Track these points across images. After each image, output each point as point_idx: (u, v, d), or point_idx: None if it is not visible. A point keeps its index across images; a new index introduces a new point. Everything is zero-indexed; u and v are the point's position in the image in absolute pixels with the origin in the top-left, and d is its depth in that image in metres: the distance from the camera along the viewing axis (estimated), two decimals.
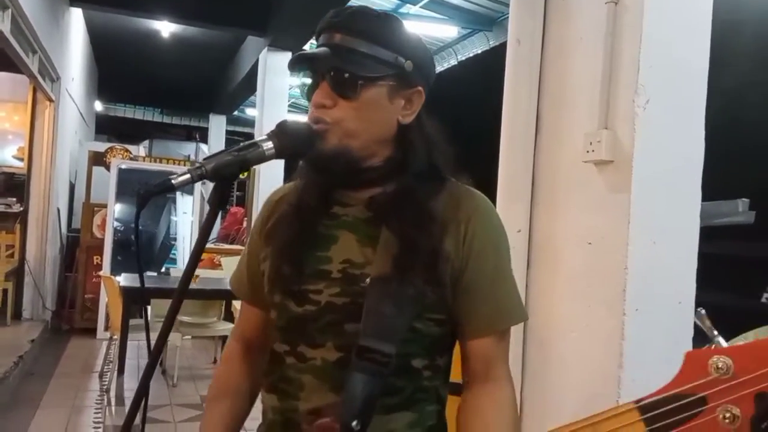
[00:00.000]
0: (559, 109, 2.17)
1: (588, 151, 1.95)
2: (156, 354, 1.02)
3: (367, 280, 0.97)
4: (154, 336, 4.10)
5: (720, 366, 0.62)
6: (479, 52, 7.91)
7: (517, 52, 2.28)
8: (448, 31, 7.55)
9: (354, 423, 0.89)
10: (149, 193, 0.85)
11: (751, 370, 0.60)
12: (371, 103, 0.99)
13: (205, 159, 0.90)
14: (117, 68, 11.10)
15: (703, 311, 0.65)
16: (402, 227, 0.97)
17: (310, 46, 8.65)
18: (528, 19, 2.26)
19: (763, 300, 5.73)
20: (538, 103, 2.25)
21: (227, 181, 0.91)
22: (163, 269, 7.82)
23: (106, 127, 14.19)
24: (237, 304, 5.68)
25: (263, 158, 0.93)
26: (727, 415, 0.61)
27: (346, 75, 0.97)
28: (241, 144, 0.93)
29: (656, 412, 0.65)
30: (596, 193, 1.96)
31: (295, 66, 1.01)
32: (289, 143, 0.95)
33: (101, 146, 7.71)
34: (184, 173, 0.88)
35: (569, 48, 2.15)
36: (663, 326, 1.90)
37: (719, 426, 0.61)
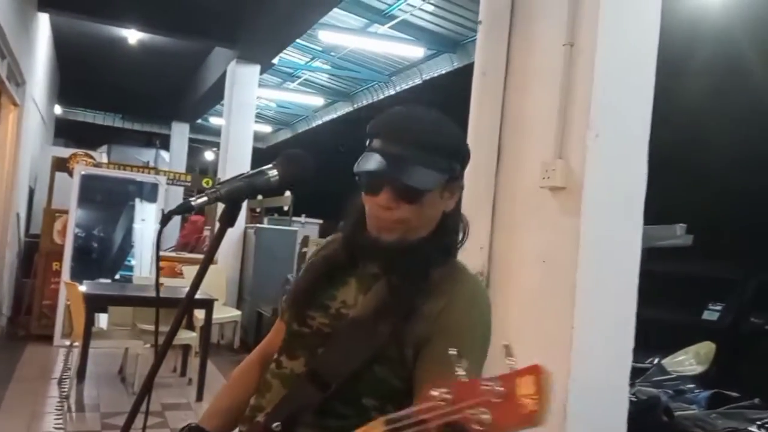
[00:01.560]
0: (519, 138, 2.37)
1: (544, 178, 2.15)
2: (162, 355, 1.14)
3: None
4: (112, 343, 4.21)
5: (437, 395, 0.75)
6: (443, 72, 8.17)
7: (482, 83, 2.47)
8: (415, 51, 7.78)
9: (275, 425, 1.04)
10: (171, 213, 0.99)
11: (457, 402, 0.73)
12: (430, 205, 1.12)
13: (218, 184, 1.05)
14: (79, 73, 10.99)
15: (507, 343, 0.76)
16: (395, 281, 1.10)
17: (281, 59, 8.74)
18: (493, 54, 2.46)
19: (704, 317, 6.07)
20: (500, 131, 2.44)
21: (237, 203, 1.05)
22: (117, 276, 7.76)
23: (63, 131, 13.96)
24: (198, 313, 5.70)
25: (269, 185, 1.07)
26: None
27: (410, 187, 1.07)
28: (250, 171, 1.08)
29: (396, 425, 0.80)
30: (550, 216, 2.16)
31: (360, 178, 1.12)
32: (291, 172, 1.10)
33: (65, 152, 7.65)
34: (202, 196, 1.02)
35: (529, 83, 2.35)
36: (607, 339, 2.10)
37: None
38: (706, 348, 5.45)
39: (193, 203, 1.01)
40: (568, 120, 2.13)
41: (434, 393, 0.75)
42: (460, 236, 1.19)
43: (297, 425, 1.05)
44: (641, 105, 2.17)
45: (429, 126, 1.12)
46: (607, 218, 2.09)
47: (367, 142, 1.12)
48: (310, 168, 1.12)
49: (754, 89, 7.34)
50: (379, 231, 1.12)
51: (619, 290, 2.13)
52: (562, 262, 2.08)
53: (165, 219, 1.00)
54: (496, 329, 2.32)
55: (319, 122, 13.19)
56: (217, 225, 1.05)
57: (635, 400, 2.60)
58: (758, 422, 2.40)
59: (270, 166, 1.09)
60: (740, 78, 7.30)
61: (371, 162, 1.08)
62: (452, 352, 0.79)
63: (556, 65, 2.18)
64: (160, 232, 1.00)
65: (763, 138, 7.73)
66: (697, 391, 3.30)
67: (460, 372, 0.76)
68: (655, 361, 5.05)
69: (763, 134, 7.77)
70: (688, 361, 5.25)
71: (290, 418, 1.04)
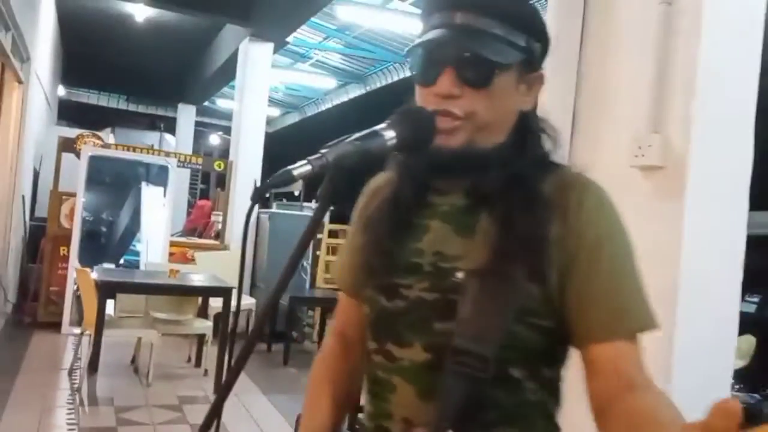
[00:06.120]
0: (598, 112, 2.09)
1: (636, 156, 1.88)
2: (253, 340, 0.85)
3: (458, 274, 0.86)
4: (124, 332, 3.91)
5: None
6: None
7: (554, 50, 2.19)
8: None
9: None
10: (269, 185, 0.73)
11: None
12: (503, 92, 0.88)
13: (323, 148, 0.77)
14: (84, 51, 10.67)
15: None
16: (505, 212, 0.86)
17: (293, 38, 8.40)
18: (566, 17, 2.18)
19: (741, 310, 5.84)
20: (575, 105, 2.16)
21: (345, 172, 0.77)
22: (121, 261, 7.51)
23: (65, 113, 13.64)
24: (213, 302, 5.45)
25: (385, 148, 0.80)
26: None
27: (480, 61, 0.85)
28: (359, 134, 0.80)
29: None
30: (642, 200, 1.89)
31: (413, 54, 0.89)
32: (411, 134, 0.82)
33: (71, 132, 7.37)
34: (304, 163, 0.75)
35: (611, 46, 2.07)
36: (709, 341, 1.84)
37: None
38: (746, 342, 5.18)
39: (294, 173, 0.74)
40: (666, 88, 1.84)
41: None
42: (550, 143, 0.93)
43: (469, 426, 0.80)
44: (749, 68, 1.88)
45: None
46: (712, 203, 1.82)
47: (423, 26, 0.92)
48: (432, 128, 0.85)
49: None
50: (438, 136, 0.85)
51: (722, 287, 1.86)
52: (660, 256, 1.80)
53: (260, 192, 0.74)
54: None
55: (329, 105, 12.87)
56: (318, 203, 0.78)
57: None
58: None
59: (384, 125, 0.82)
60: None
61: (430, 35, 0.88)
62: None
63: (648, 27, 1.90)
64: (251, 208, 0.74)
65: None
66: None
67: None
68: None
69: None
70: None
71: (460, 419, 0.79)
